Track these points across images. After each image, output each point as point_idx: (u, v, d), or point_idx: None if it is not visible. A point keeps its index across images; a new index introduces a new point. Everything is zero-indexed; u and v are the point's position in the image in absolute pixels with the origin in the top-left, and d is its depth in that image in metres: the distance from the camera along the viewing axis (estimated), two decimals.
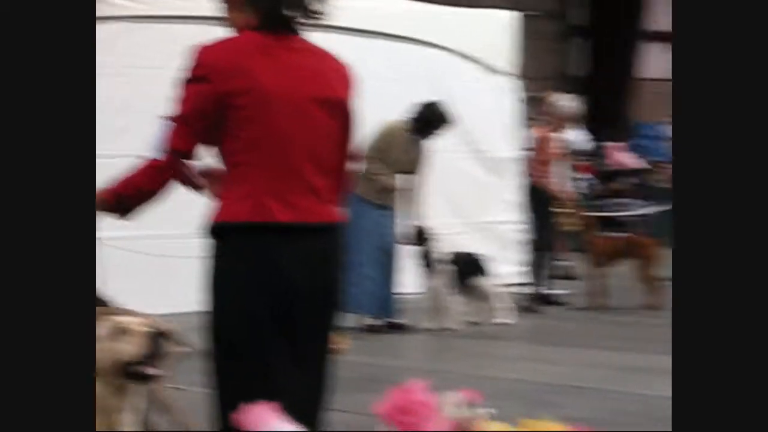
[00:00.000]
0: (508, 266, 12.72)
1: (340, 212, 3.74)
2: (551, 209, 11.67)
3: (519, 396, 7.35)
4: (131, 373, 3.84)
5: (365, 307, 9.99)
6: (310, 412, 3.66)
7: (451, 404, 1.09)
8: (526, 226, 12.10)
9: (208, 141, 3.62)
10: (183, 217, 10.17)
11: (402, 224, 10.22)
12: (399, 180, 10.14)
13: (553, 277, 12.12)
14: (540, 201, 11.68)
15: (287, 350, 3.58)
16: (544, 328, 10.68)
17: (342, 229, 3.73)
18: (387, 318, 10.19)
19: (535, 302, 11.61)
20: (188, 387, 7.43)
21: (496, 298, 10.46)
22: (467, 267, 10.33)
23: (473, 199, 13.11)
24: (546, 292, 11.87)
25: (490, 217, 13.24)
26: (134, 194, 3.62)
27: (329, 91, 3.67)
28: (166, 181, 3.63)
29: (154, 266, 10.23)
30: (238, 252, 3.55)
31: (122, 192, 3.61)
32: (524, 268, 12.86)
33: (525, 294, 11.77)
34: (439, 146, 10.75)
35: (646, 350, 8.90)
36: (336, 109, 3.68)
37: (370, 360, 8.76)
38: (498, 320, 10.36)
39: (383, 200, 10.06)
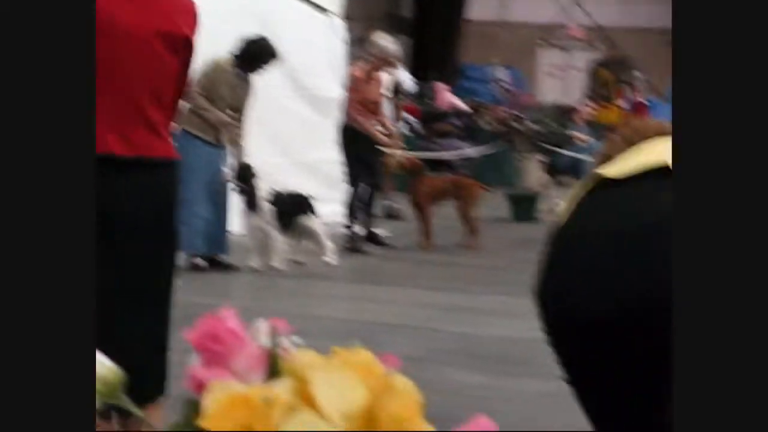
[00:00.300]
0: (333, 205, 12.78)
1: (174, 148, 3.68)
2: (374, 149, 11.69)
3: (343, 334, 7.41)
4: None
5: (196, 245, 9.93)
6: (142, 351, 3.59)
7: (261, 333, 1.08)
8: (342, 167, 12.13)
9: None
10: None
11: (228, 162, 10.16)
12: (226, 116, 10.06)
13: (378, 217, 12.22)
14: (356, 141, 11.67)
15: (114, 289, 3.43)
16: (369, 268, 10.76)
17: (177, 166, 3.67)
18: (220, 254, 10.15)
19: (358, 242, 11.69)
20: None
21: (321, 238, 10.47)
22: (293, 206, 10.32)
23: (299, 138, 13.10)
24: (364, 232, 11.96)
25: (316, 155, 13.24)
26: None
27: (173, 27, 3.61)
28: None
29: None
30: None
31: None
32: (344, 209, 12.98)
33: (349, 234, 11.84)
34: (265, 84, 10.70)
35: (468, 290, 9.06)
36: (179, 44, 3.62)
37: (195, 299, 8.69)
38: (324, 260, 10.39)
39: (212, 137, 9.98)
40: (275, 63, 10.34)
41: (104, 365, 1.23)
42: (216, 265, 10.11)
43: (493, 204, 13.55)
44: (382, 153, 11.82)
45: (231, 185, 10.10)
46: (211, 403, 1.00)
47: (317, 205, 10.60)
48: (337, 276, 10.08)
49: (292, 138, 12.99)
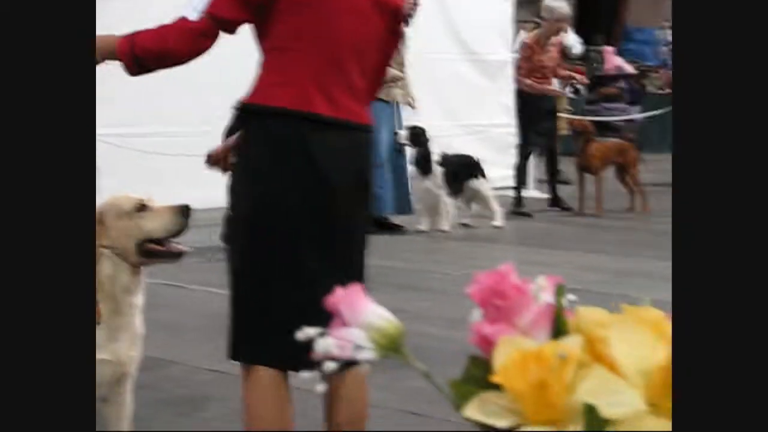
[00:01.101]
0: (502, 170, 12.78)
1: (369, 114, 3.63)
2: (546, 114, 11.65)
3: None
4: (151, 251, 3.74)
5: (386, 205, 10.04)
6: None
7: (543, 289, 1.10)
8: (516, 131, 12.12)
9: (255, 19, 3.40)
10: (179, 116, 10.23)
11: (401, 123, 10.20)
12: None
13: (551, 182, 12.15)
14: (528, 106, 11.65)
15: (320, 245, 3.42)
16: (536, 232, 10.75)
17: (372, 132, 3.65)
18: (405, 214, 10.26)
19: (525, 206, 11.69)
20: (188, 285, 7.55)
21: (490, 201, 10.49)
22: (462, 169, 10.35)
23: (468, 102, 13.10)
24: (549, 196, 11.96)
25: (485, 119, 13.24)
26: (157, 52, 3.31)
27: None
28: (197, 50, 3.32)
29: (148, 163, 10.22)
30: (273, 139, 3.36)
31: (144, 44, 3.31)
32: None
33: (516, 198, 11.83)
34: (434, 49, 10.72)
35: (637, 254, 8.99)
36: (389, 12, 3.54)
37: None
38: (493, 223, 10.41)
39: (389, 96, 9.93)
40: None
41: (384, 318, 1.26)
42: (386, 226, 10.20)
43: (660, 169, 13.39)
44: (555, 118, 11.78)
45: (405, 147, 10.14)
46: (503, 359, 1.04)
47: (485, 169, 10.62)
48: (504, 239, 10.11)
49: (461, 102, 13.00)
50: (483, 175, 10.48)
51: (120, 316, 3.70)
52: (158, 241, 3.75)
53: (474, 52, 13.26)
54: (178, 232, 3.77)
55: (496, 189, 11.40)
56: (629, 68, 16.74)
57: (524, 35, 13.25)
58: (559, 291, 1.12)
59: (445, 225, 10.19)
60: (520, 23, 14.31)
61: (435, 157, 10.20)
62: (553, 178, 12.10)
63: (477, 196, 10.49)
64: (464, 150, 10.97)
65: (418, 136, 10.12)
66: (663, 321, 1.06)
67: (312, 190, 3.40)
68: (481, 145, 12.63)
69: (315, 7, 3.38)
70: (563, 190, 12.21)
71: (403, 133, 10.01)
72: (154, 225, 3.73)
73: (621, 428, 0.97)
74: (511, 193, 12.07)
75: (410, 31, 10.09)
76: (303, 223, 3.40)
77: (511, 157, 13.29)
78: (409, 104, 10.21)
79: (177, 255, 3.80)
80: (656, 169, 13.45)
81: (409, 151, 10.21)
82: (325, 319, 1.38)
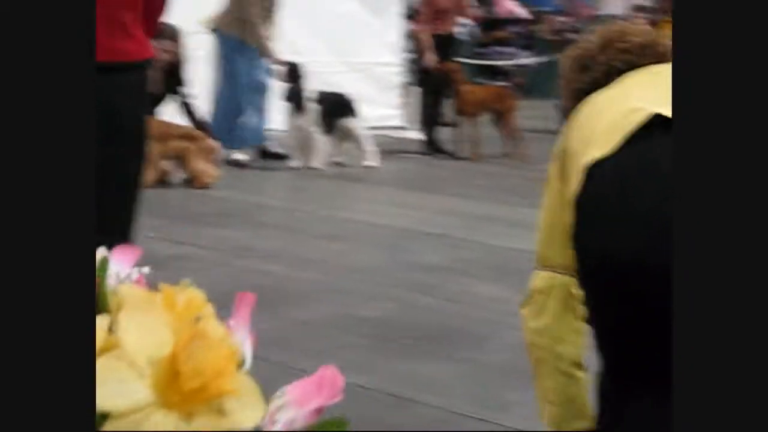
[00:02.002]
0: (385, 109, 12.73)
1: (146, 45, 3.48)
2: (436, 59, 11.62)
3: (368, 239, 7.44)
4: None
5: (240, 140, 10.05)
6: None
7: (108, 261, 1.03)
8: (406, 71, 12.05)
9: None
10: None
11: (273, 61, 10.15)
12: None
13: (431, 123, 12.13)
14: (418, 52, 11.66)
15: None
16: (409, 173, 10.73)
17: (148, 65, 3.49)
18: (260, 145, 10.25)
19: (425, 148, 11.69)
20: None
21: (363, 141, 10.44)
22: (336, 107, 10.29)
23: (353, 39, 12.98)
24: (426, 138, 11.95)
25: (370, 57, 13.14)
26: None
27: None
28: None
29: None
30: None
31: None
32: (399, 111, 12.94)
33: (398, 138, 11.80)
34: None
35: (505, 201, 9.00)
36: None
37: (228, 194, 8.77)
38: (365, 163, 10.37)
39: (251, 39, 10.00)
40: None
41: None
42: (268, 155, 10.26)
43: (544, 115, 13.43)
44: (448, 59, 11.73)
45: (275, 84, 10.10)
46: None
47: (368, 108, 10.56)
48: (374, 180, 10.04)
49: (346, 38, 12.86)
50: (355, 114, 10.42)
51: None
52: None
53: None
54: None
55: (378, 128, 11.36)
56: (523, 12, 16.70)
57: None
58: (102, 264, 1.06)
59: (317, 163, 10.13)
60: None
61: (310, 94, 10.13)
62: (435, 120, 12.06)
63: (350, 135, 10.43)
64: (347, 88, 10.89)
65: (292, 72, 10.05)
66: (198, 306, 0.99)
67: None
68: (364, 83, 12.55)
69: None
70: (444, 133, 12.18)
71: (274, 69, 9.98)
72: None
73: (125, 422, 0.89)
74: (393, 133, 12.02)
75: None
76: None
77: (395, 97, 13.27)
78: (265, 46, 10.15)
79: None
80: (540, 115, 13.50)
81: (283, 87, 10.14)
82: None
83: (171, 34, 8.92)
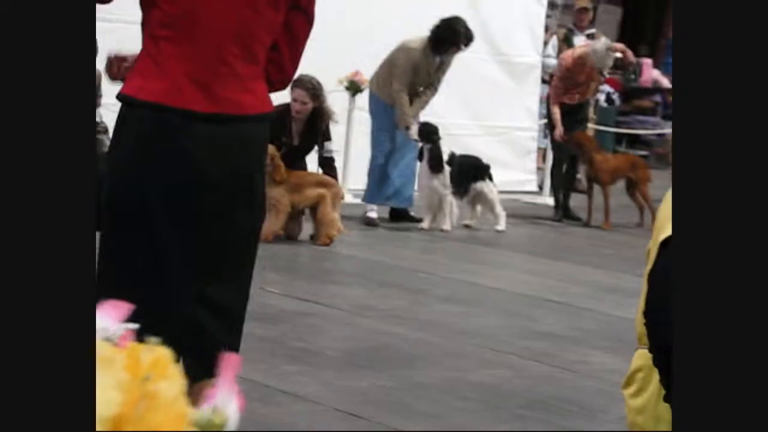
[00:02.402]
0: (519, 174, 12.77)
1: (265, 100, 3.46)
2: (578, 123, 11.54)
3: (489, 303, 7.48)
4: None
5: (377, 197, 10.20)
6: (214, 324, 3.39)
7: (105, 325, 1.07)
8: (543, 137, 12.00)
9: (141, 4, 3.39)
10: None
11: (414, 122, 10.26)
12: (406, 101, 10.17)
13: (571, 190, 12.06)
14: (566, 117, 11.57)
15: (180, 238, 3.30)
16: (538, 239, 10.72)
17: (268, 119, 3.48)
18: (404, 207, 10.39)
19: (556, 213, 11.64)
20: None
21: (495, 205, 10.47)
22: (470, 170, 10.35)
23: (491, 103, 13.04)
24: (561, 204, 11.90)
25: (507, 122, 13.19)
26: None
27: None
28: None
29: None
30: (141, 132, 3.29)
31: None
32: (534, 177, 12.95)
33: (532, 203, 11.78)
34: None
35: (629, 271, 8.91)
36: None
37: (355, 252, 8.89)
38: (496, 227, 10.40)
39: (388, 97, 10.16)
40: (467, 46, 10.33)
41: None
42: (402, 217, 10.35)
43: None
44: (585, 127, 11.67)
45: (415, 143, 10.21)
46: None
47: (503, 172, 10.56)
48: (502, 244, 10.04)
49: (484, 102, 12.94)
50: (490, 178, 10.46)
51: None
52: None
53: (503, 53, 13.20)
54: None
55: (512, 193, 11.38)
56: (666, 82, 16.62)
57: (556, 41, 13.21)
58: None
59: (446, 224, 10.19)
60: (559, 27, 14.25)
61: (445, 155, 10.22)
62: (569, 186, 12.00)
63: (482, 199, 10.48)
64: (483, 151, 10.94)
65: (429, 134, 10.15)
66: (163, 365, 1.02)
67: (178, 184, 3.29)
68: (500, 146, 12.62)
69: None
70: (578, 200, 12.14)
71: (414, 129, 10.07)
72: None
73: None
74: (527, 198, 12.02)
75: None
76: (163, 219, 3.30)
77: (530, 162, 13.30)
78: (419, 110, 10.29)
79: None
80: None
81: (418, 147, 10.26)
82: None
83: (309, 86, 8.93)
